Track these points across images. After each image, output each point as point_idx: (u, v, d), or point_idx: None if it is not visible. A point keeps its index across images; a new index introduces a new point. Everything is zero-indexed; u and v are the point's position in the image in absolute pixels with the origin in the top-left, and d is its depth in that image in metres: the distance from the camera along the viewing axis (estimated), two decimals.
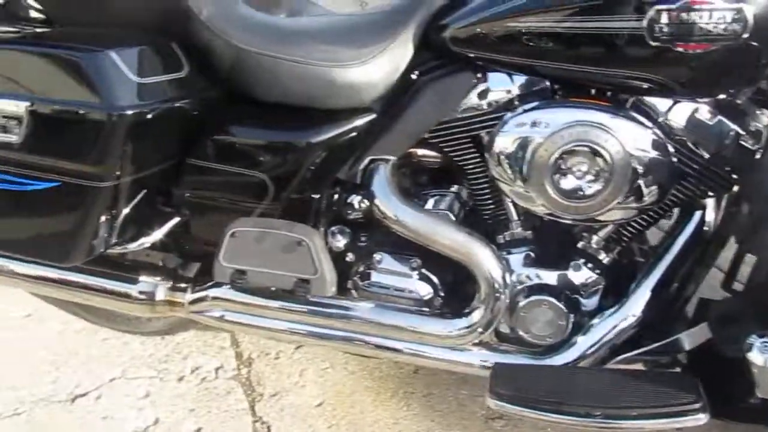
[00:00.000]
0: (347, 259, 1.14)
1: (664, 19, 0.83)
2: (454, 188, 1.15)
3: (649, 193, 0.94)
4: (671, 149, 0.94)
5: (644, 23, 0.84)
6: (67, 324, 1.56)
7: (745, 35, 0.82)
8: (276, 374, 1.44)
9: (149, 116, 0.97)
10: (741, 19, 0.81)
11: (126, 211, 1.06)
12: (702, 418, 0.90)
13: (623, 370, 1.03)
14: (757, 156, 0.95)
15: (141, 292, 1.18)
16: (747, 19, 0.81)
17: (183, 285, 1.19)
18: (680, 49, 0.84)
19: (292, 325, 1.14)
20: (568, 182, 0.94)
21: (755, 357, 0.85)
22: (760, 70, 0.88)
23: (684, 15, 0.83)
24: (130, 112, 0.93)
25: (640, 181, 0.93)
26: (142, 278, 1.18)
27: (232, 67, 1.04)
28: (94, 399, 1.38)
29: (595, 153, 0.92)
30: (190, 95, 1.03)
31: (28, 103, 0.93)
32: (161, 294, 1.18)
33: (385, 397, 1.38)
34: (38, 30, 1.14)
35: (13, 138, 0.96)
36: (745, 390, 0.91)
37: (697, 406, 0.90)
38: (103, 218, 1.03)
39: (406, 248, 1.11)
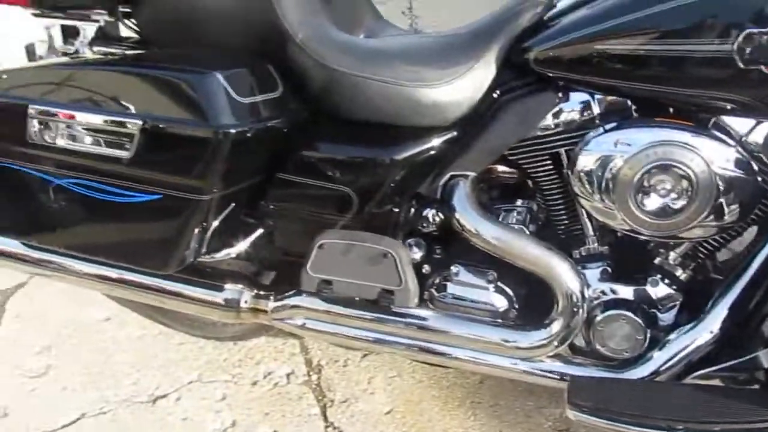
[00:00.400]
0: (423, 270, 1.18)
1: (755, 42, 0.86)
2: (527, 202, 1.19)
3: (732, 212, 0.96)
4: (755, 168, 0.95)
5: (734, 47, 0.87)
6: (145, 328, 1.64)
7: None
8: (345, 381, 1.49)
9: (249, 135, 1.03)
10: None
11: (217, 222, 1.13)
12: None
13: (702, 385, 1.04)
14: None
15: (226, 300, 1.24)
16: None
17: (265, 293, 1.24)
18: None
19: (370, 334, 1.18)
20: (651, 201, 0.97)
21: None
22: None
23: None
24: (233, 131, 1.00)
25: (723, 200, 0.95)
26: (227, 286, 1.24)
27: (323, 87, 1.09)
28: (174, 401, 1.45)
29: (680, 172, 0.94)
30: (283, 114, 1.09)
31: (141, 122, 1.01)
32: (246, 301, 1.23)
33: (453, 406, 1.41)
34: (137, 52, 1.22)
35: (124, 154, 1.03)
36: None
37: None
38: (198, 229, 1.10)
39: (482, 261, 1.14)
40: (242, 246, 1.24)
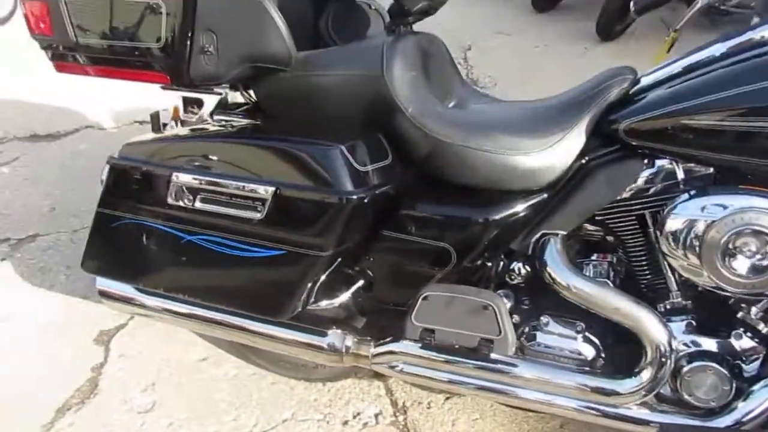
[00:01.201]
0: (513, 320, 1.28)
1: None
2: (611, 257, 1.28)
3: None
4: None
5: None
6: (239, 368, 1.76)
7: None
8: (430, 422, 1.58)
9: (366, 200, 1.16)
10: None
11: (326, 275, 1.25)
12: None
13: None
14: None
15: (330, 344, 1.35)
16: None
17: (365, 339, 1.36)
18: None
19: (468, 380, 1.27)
20: (738, 262, 1.06)
21: None
22: None
23: None
24: (355, 197, 1.13)
25: None
26: (330, 332, 1.36)
27: (429, 155, 1.22)
28: None
29: (764, 236, 1.03)
30: (393, 180, 1.23)
31: (274, 188, 1.15)
32: (348, 346, 1.35)
33: None
34: (257, 122, 1.37)
35: (257, 215, 1.18)
36: None
37: None
38: (312, 281, 1.23)
39: (570, 312, 1.24)
40: (345, 295, 1.36)
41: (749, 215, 1.04)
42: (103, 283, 1.50)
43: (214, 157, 1.22)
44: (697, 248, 1.08)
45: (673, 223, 1.10)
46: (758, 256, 1.05)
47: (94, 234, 1.38)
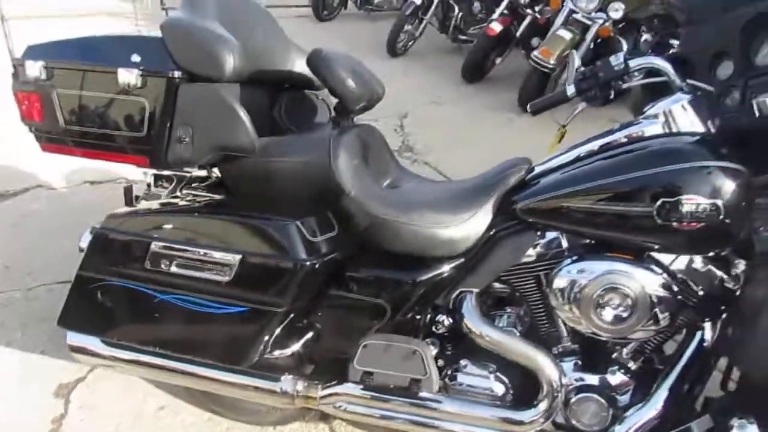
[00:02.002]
0: (438, 364, 1.54)
1: (668, 207, 1.28)
2: (516, 310, 1.57)
3: (662, 319, 1.36)
4: (675, 288, 1.36)
5: (654, 209, 1.29)
6: (197, 416, 1.92)
7: (721, 217, 1.26)
8: None
9: (316, 265, 1.41)
10: (717, 208, 1.26)
11: (281, 328, 1.49)
12: None
13: None
14: (737, 293, 1.37)
15: (282, 389, 1.57)
16: (720, 208, 1.26)
17: (313, 383, 1.58)
18: (679, 226, 1.29)
19: (400, 415, 1.52)
20: (606, 312, 1.36)
21: None
22: (733, 237, 1.32)
23: (681, 205, 1.27)
24: (307, 263, 1.38)
25: (655, 311, 1.34)
26: (282, 377, 1.58)
27: (367, 228, 1.48)
28: None
29: (624, 292, 1.35)
30: (339, 248, 1.48)
31: (240, 256, 1.39)
32: (298, 390, 1.57)
33: None
34: (222, 197, 1.60)
35: (225, 278, 1.40)
36: None
37: None
38: (270, 333, 1.46)
39: (484, 356, 1.51)
40: (296, 346, 1.58)
41: (613, 277, 1.35)
42: (74, 338, 1.67)
43: (189, 229, 1.45)
44: (576, 302, 1.38)
45: (559, 283, 1.40)
46: (620, 309, 1.36)
47: (74, 294, 1.56)
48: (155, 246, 1.45)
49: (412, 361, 1.45)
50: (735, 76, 1.39)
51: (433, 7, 6.35)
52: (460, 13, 6.41)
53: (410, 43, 6.65)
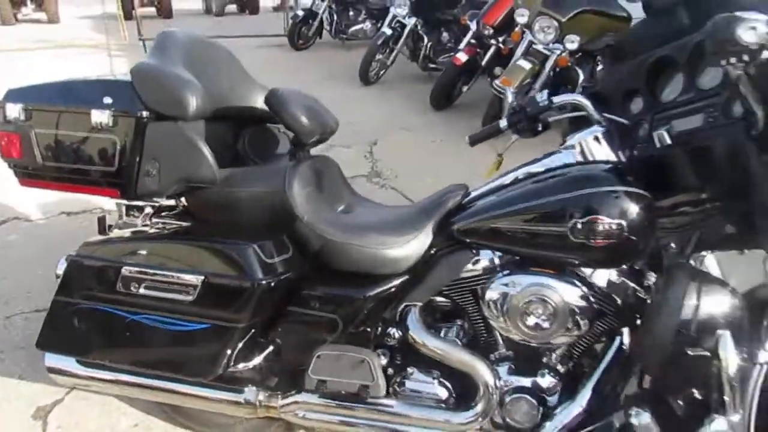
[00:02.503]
0: (388, 372, 1.69)
1: (579, 227, 1.46)
2: (460, 322, 1.73)
3: (582, 326, 1.52)
4: (593, 299, 1.53)
5: (568, 229, 1.47)
6: (168, 430, 2.05)
7: (625, 235, 1.44)
8: None
9: (272, 284, 1.56)
10: (622, 227, 1.44)
11: (243, 343, 1.63)
12: None
13: None
14: (648, 301, 1.55)
15: (246, 399, 1.71)
16: (624, 227, 1.44)
17: (274, 393, 1.72)
18: (591, 244, 1.46)
19: (353, 420, 1.66)
20: (531, 320, 1.53)
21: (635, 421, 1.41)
22: (639, 253, 1.50)
23: (591, 225, 1.45)
24: (264, 282, 1.54)
25: (575, 319, 1.51)
26: (246, 389, 1.72)
27: (320, 250, 1.64)
28: None
29: (546, 302, 1.51)
30: (294, 268, 1.64)
31: (203, 277, 1.54)
32: (260, 400, 1.70)
33: None
34: (189, 224, 1.75)
35: (189, 298, 1.55)
36: None
37: None
38: (232, 347, 1.60)
39: (429, 364, 1.67)
40: (258, 359, 1.72)
41: (536, 289, 1.52)
42: (52, 359, 1.80)
43: (156, 254, 1.60)
44: (505, 312, 1.55)
45: (491, 295, 1.57)
46: (543, 317, 1.52)
47: (51, 317, 1.69)
48: (125, 270, 1.59)
49: (360, 368, 1.60)
50: (644, 111, 1.59)
51: (403, 37, 6.61)
52: (430, 43, 6.68)
53: (382, 72, 6.90)
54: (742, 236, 1.49)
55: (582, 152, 1.63)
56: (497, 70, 5.23)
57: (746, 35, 1.13)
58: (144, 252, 1.62)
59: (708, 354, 1.33)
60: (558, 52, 4.75)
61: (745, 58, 1.23)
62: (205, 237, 1.64)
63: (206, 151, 1.60)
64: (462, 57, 5.50)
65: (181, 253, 1.60)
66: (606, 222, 1.44)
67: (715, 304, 1.36)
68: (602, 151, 1.60)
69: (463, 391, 1.65)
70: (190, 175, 1.61)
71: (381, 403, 1.65)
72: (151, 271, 1.58)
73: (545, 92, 1.72)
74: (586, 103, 1.69)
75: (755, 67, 1.25)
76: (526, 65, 4.78)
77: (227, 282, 1.55)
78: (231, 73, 1.91)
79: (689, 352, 1.34)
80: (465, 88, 5.77)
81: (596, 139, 1.62)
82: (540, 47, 4.85)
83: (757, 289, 1.57)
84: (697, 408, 1.37)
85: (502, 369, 1.63)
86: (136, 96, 1.60)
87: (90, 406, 2.15)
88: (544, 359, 1.64)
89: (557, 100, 1.71)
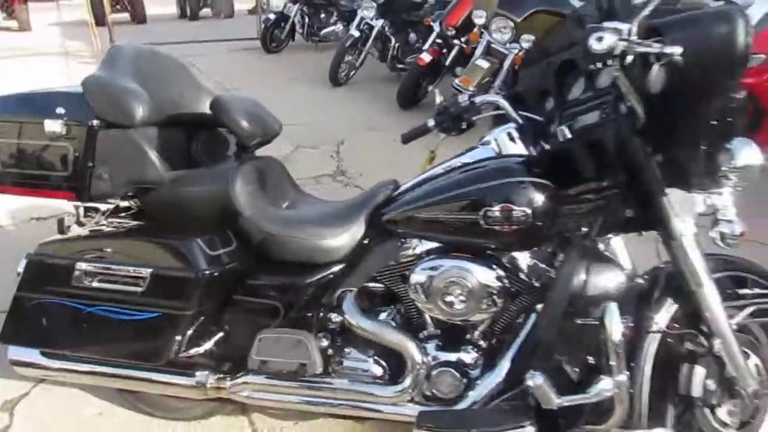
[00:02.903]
0: (329, 352, 1.85)
1: (490, 215, 1.62)
2: (393, 305, 1.89)
3: (497, 305, 1.69)
4: (506, 280, 1.70)
5: (480, 217, 1.63)
6: (131, 416, 2.18)
7: (531, 220, 1.61)
8: None
9: (215, 274, 1.71)
10: (526, 214, 1.61)
11: (192, 329, 1.78)
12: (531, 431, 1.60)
13: (497, 408, 1.71)
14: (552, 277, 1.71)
15: (197, 382, 1.85)
16: (529, 216, 1.60)
17: (224, 375, 1.87)
18: (500, 229, 1.63)
19: (294, 398, 1.82)
20: (450, 300, 1.69)
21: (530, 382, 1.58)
22: (544, 238, 1.67)
23: (501, 213, 1.62)
24: (207, 273, 1.68)
25: (490, 298, 1.68)
26: (198, 373, 1.86)
27: (261, 243, 1.80)
28: None
29: (463, 284, 1.68)
30: (237, 260, 1.79)
31: (151, 270, 1.68)
32: (210, 383, 1.85)
33: None
34: (142, 223, 1.89)
35: (139, 289, 1.70)
36: (559, 414, 1.61)
37: (529, 425, 1.60)
38: (181, 334, 1.75)
39: (365, 344, 1.83)
40: (209, 344, 1.87)
41: (454, 272, 1.69)
42: (15, 352, 1.93)
43: (107, 250, 1.75)
44: (428, 294, 1.71)
45: (415, 279, 1.73)
46: (461, 297, 1.69)
47: (13, 313, 1.83)
48: (80, 266, 1.73)
49: (298, 348, 1.76)
50: (554, 109, 1.76)
51: (371, 39, 6.77)
52: (397, 44, 6.85)
53: (352, 73, 7.06)
54: (639, 220, 1.67)
55: (499, 147, 1.80)
56: (458, 70, 5.42)
57: (595, 45, 1.30)
58: (96, 248, 1.76)
59: (596, 323, 1.51)
60: (515, 51, 4.94)
61: (610, 62, 1.40)
62: (154, 233, 1.78)
63: (152, 155, 1.74)
64: (426, 57, 5.68)
65: (131, 248, 1.75)
66: (514, 210, 1.61)
67: (603, 279, 1.53)
68: (515, 146, 1.77)
69: (396, 367, 1.81)
70: (138, 178, 1.76)
71: (320, 380, 1.80)
72: (103, 265, 1.73)
73: (466, 94, 1.89)
74: (504, 103, 1.86)
75: (626, 69, 1.42)
76: (484, 65, 4.97)
77: (173, 273, 1.69)
78: (181, 82, 2.05)
79: (578, 321, 1.51)
80: (430, 88, 5.94)
81: (509, 135, 1.79)
82: (498, 47, 5.04)
83: (653, 269, 1.75)
84: (591, 371, 1.55)
85: (430, 346, 1.79)
86: (87, 106, 1.74)
87: (55, 397, 2.27)
88: (468, 336, 1.80)
89: (478, 100, 1.88)
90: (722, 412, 1.75)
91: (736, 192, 1.63)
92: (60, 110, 1.75)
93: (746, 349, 1.81)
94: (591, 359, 1.57)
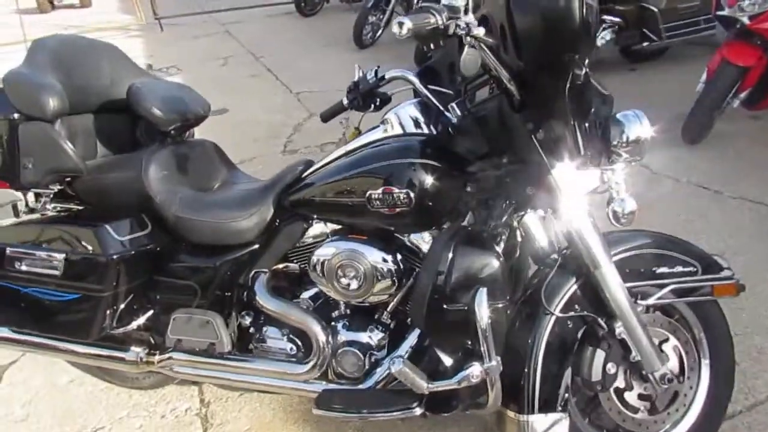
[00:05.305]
0: (250, 330, 1.91)
1: (374, 197, 1.60)
2: (308, 286, 1.91)
3: (393, 286, 1.68)
4: (401, 262, 1.68)
5: (365, 199, 1.61)
6: (96, 385, 2.36)
7: (413, 204, 1.58)
8: (223, 411, 2.19)
9: (128, 257, 1.80)
10: (409, 198, 1.57)
11: (120, 307, 1.88)
12: (418, 412, 1.61)
13: (391, 390, 1.72)
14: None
15: (129, 357, 1.97)
16: (411, 198, 1.57)
17: (154, 351, 1.98)
18: (386, 212, 1.61)
19: (210, 373, 1.90)
20: (344, 282, 1.70)
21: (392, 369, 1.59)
22: (436, 219, 1.64)
23: (384, 196, 1.60)
24: (115, 256, 1.77)
25: (384, 280, 1.67)
26: (132, 348, 1.98)
27: (174, 226, 1.86)
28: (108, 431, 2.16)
29: (355, 266, 1.68)
30: (152, 242, 1.87)
31: (64, 255, 1.79)
32: (141, 357, 1.96)
33: (292, 421, 2.10)
34: (78, 209, 2.01)
35: (56, 272, 1.81)
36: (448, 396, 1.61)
37: (416, 406, 1.61)
38: (106, 313, 1.86)
39: (279, 324, 1.87)
40: (140, 321, 1.98)
41: (347, 254, 1.69)
42: None
43: (31, 236, 1.87)
44: (324, 276, 1.72)
45: (313, 260, 1.74)
46: (354, 279, 1.69)
47: None
48: (9, 251, 1.87)
49: (207, 328, 1.83)
50: (460, 84, 1.71)
51: None
52: (422, 2, 6.64)
53: (378, 34, 6.95)
54: (539, 198, 1.61)
55: (400, 125, 1.76)
56: None
57: (396, 29, 1.25)
58: (22, 235, 1.89)
59: (465, 308, 1.48)
60: None
61: (467, 40, 1.34)
62: (70, 219, 1.89)
63: (67, 145, 1.82)
64: None
65: (50, 234, 1.86)
66: (395, 192, 1.58)
67: (472, 262, 1.49)
68: (411, 125, 1.73)
69: (308, 346, 1.85)
70: (58, 167, 1.85)
71: (236, 357, 1.87)
72: (25, 251, 1.85)
73: (374, 70, 1.85)
74: (412, 77, 1.80)
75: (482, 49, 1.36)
76: None
77: (85, 258, 1.79)
78: (113, 68, 2.12)
79: (446, 307, 1.49)
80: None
81: (409, 112, 1.74)
82: None
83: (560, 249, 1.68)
84: (464, 356, 1.53)
85: (338, 326, 1.81)
86: (8, 101, 1.84)
87: (38, 365, 2.50)
88: (376, 316, 1.80)
89: (388, 75, 1.83)
90: (631, 396, 1.69)
91: (629, 167, 1.54)
92: None
93: (665, 331, 1.73)
94: (461, 344, 1.54)
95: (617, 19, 5.11)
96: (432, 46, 1.35)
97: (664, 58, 5.68)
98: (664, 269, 1.68)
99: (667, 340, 1.71)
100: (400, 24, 1.27)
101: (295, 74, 6.25)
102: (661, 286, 1.67)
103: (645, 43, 5.22)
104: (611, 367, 1.63)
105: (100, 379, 2.36)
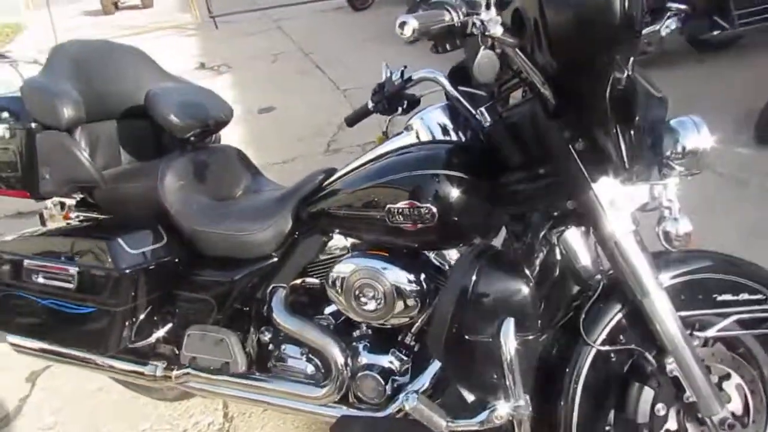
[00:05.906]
0: (269, 347, 1.81)
1: (393, 212, 1.46)
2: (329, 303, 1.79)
3: (416, 308, 1.54)
4: (428, 283, 1.53)
5: (384, 213, 1.48)
6: (123, 394, 2.33)
7: (437, 220, 1.43)
8: (246, 427, 2.11)
9: (142, 270, 1.73)
10: (432, 213, 1.42)
11: (139, 321, 1.82)
12: None
13: (412, 420, 1.57)
14: None
15: (148, 371, 1.91)
16: (434, 213, 1.42)
17: (172, 365, 1.91)
18: (407, 228, 1.47)
19: (232, 392, 1.81)
20: (363, 302, 1.56)
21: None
22: (464, 236, 1.49)
23: (405, 210, 1.45)
24: (128, 271, 1.70)
25: (406, 301, 1.53)
26: (150, 362, 1.92)
27: (191, 238, 1.78)
28: None
29: (374, 285, 1.54)
30: (169, 255, 1.79)
31: (77, 268, 1.74)
32: (159, 372, 1.90)
33: None
34: (99, 217, 1.96)
35: (71, 286, 1.76)
36: None
37: None
38: (123, 326, 1.79)
39: (298, 343, 1.76)
40: (161, 334, 1.91)
41: (366, 272, 1.55)
42: (11, 338, 2.11)
43: (47, 248, 1.83)
44: (341, 294, 1.59)
45: (331, 277, 1.62)
46: (373, 299, 1.55)
47: None
48: (26, 263, 1.84)
49: (221, 346, 1.74)
50: (493, 86, 1.54)
51: None
52: None
53: None
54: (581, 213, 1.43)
55: (427, 130, 1.62)
56: None
57: (398, 31, 1.10)
58: (40, 246, 1.85)
59: (490, 340, 1.32)
60: None
61: (489, 43, 1.19)
62: (85, 231, 1.84)
63: (83, 158, 1.77)
64: None
65: (65, 246, 1.81)
66: (417, 207, 1.44)
67: (499, 287, 1.33)
68: (440, 130, 1.58)
69: (327, 368, 1.73)
70: (75, 177, 1.80)
71: (253, 376, 1.77)
72: (41, 263, 1.81)
73: (400, 71, 1.70)
74: (441, 79, 1.65)
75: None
76: None
77: (97, 272, 1.73)
78: (137, 73, 2.06)
79: (467, 337, 1.33)
80: None
81: (436, 117, 1.59)
82: None
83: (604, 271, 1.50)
84: (488, 393, 1.37)
85: (359, 347, 1.68)
86: (26, 110, 1.81)
87: (70, 371, 2.47)
88: (399, 338, 1.66)
89: (415, 77, 1.68)
90: None
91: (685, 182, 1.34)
92: (4, 114, 1.83)
93: (726, 367, 1.51)
94: (485, 379, 1.38)
95: (683, 6, 4.74)
96: (447, 46, 1.19)
97: (737, 48, 5.23)
98: (727, 296, 1.47)
99: (729, 377, 1.49)
100: (403, 24, 1.12)
101: (343, 70, 6.16)
102: (724, 316, 1.46)
103: (715, 32, 4.81)
104: (661, 408, 1.43)
105: (126, 388, 2.33)
